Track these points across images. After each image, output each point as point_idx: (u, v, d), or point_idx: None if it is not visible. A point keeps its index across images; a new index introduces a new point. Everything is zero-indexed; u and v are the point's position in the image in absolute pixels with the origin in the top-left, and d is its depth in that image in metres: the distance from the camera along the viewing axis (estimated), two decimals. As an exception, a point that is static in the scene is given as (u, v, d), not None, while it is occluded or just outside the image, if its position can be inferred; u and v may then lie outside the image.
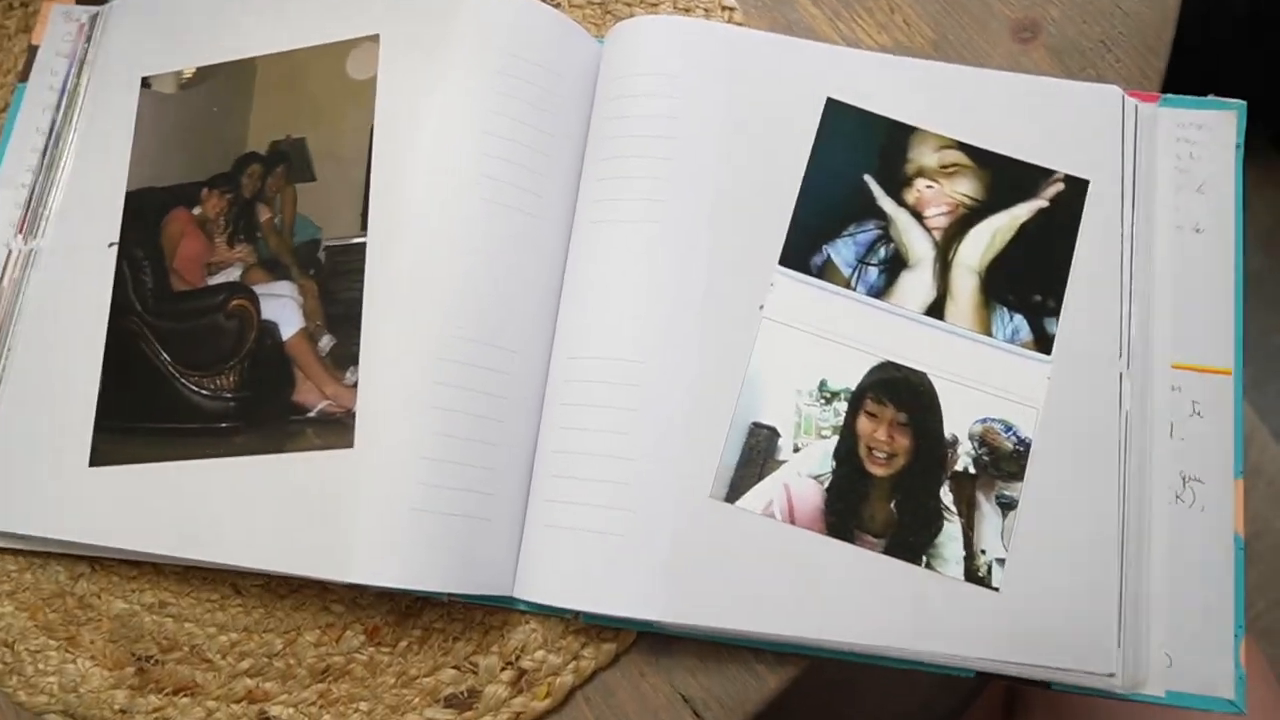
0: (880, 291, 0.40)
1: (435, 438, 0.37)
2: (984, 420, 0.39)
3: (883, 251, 0.41)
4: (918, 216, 0.41)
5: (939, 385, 0.39)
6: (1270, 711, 0.56)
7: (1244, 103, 0.42)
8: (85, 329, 0.42)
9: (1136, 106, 0.42)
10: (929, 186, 0.41)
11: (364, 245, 0.40)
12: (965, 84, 0.43)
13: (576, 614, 0.39)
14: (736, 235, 0.41)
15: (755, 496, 0.38)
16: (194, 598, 0.41)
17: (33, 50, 0.47)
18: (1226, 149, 0.42)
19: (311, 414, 0.39)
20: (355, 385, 0.39)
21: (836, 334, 0.40)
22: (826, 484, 0.38)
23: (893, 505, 0.38)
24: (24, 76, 0.46)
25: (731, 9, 0.47)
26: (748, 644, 0.39)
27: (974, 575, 0.37)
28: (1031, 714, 0.62)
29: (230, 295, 0.42)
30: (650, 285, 0.40)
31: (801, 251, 0.41)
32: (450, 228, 0.39)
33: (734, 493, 0.38)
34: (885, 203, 0.41)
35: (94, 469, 0.40)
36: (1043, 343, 0.40)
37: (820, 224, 0.41)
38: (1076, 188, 0.41)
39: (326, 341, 0.40)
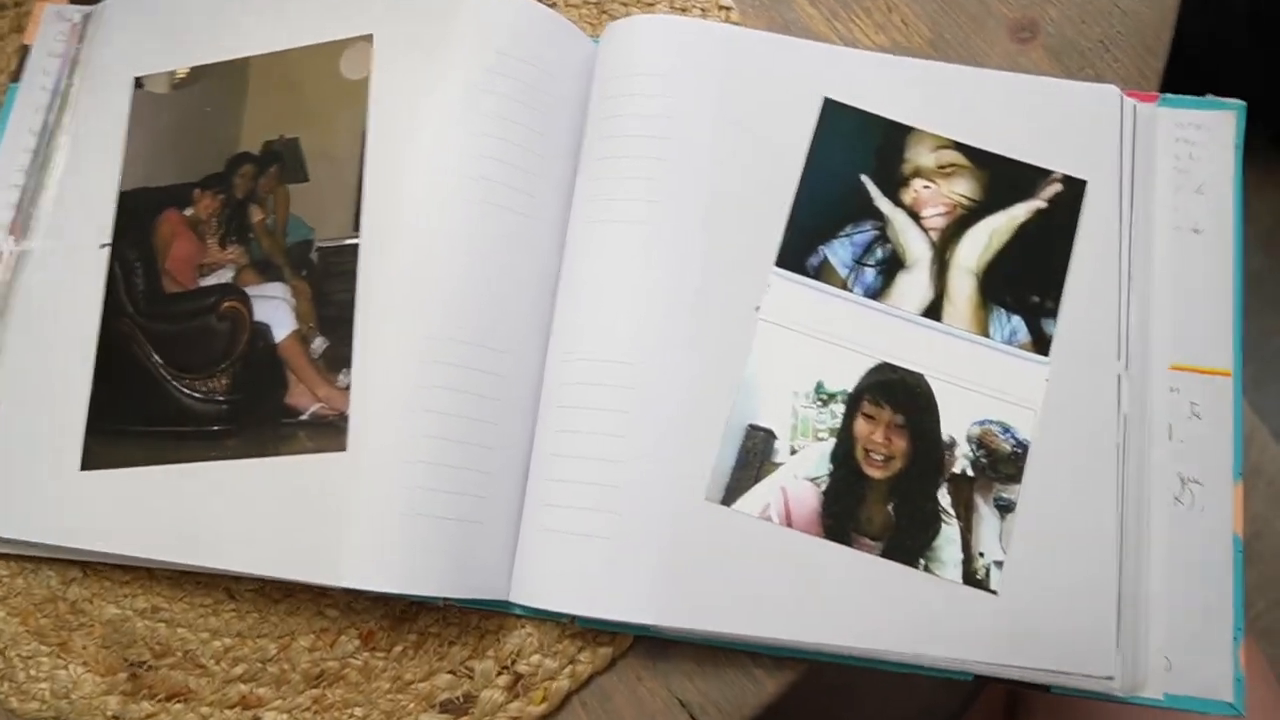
0: (877, 292, 0.40)
1: (429, 440, 0.37)
2: (982, 422, 0.39)
3: (880, 252, 0.41)
4: (915, 217, 0.41)
5: (936, 387, 0.39)
6: (1270, 712, 0.56)
7: (1243, 103, 0.42)
8: (77, 331, 0.42)
9: (1135, 106, 0.42)
10: (926, 187, 0.41)
11: (357, 246, 0.40)
12: (963, 84, 0.42)
13: (572, 618, 0.38)
14: (732, 236, 0.40)
15: (752, 499, 0.38)
16: (187, 603, 0.40)
17: (25, 50, 0.46)
18: (1226, 149, 0.42)
19: (304, 417, 0.39)
20: (348, 388, 0.39)
21: (833, 335, 0.40)
22: (824, 486, 0.38)
23: (890, 508, 0.38)
24: (16, 76, 0.46)
25: (728, 8, 0.46)
26: (745, 648, 0.38)
27: (972, 578, 0.37)
28: (1032, 717, 0.62)
29: (222, 297, 0.41)
30: (646, 286, 0.39)
31: (798, 252, 0.40)
32: (444, 228, 0.39)
33: (730, 496, 0.38)
34: (882, 203, 0.41)
35: (86, 472, 0.40)
36: (1041, 344, 0.39)
37: (817, 224, 0.41)
38: (1075, 188, 0.41)
39: (319, 343, 0.40)
